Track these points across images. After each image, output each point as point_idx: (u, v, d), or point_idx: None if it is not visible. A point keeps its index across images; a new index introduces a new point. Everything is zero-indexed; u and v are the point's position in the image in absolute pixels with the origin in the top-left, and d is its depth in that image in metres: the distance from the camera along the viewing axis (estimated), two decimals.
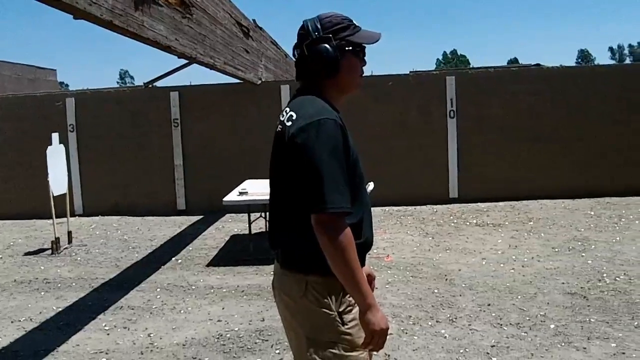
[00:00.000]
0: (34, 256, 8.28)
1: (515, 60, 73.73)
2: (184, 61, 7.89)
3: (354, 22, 2.19)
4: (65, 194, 8.74)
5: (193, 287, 6.34)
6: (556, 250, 7.18)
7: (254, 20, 10.25)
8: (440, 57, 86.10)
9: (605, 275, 6.04)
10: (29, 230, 10.31)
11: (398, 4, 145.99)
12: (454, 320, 4.96)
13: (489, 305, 5.29)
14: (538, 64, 13.55)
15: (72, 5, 4.02)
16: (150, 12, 5.41)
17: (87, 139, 11.44)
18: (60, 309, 5.79)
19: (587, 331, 4.55)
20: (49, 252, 8.36)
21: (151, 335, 4.95)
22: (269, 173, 2.22)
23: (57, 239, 8.39)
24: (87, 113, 11.46)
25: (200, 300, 5.87)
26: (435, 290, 5.81)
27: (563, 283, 5.83)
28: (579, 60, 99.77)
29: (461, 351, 4.30)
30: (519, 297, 5.47)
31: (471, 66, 56.87)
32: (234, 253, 7.86)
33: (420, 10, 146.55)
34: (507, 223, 8.94)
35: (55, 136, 8.64)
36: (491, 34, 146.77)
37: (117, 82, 79.68)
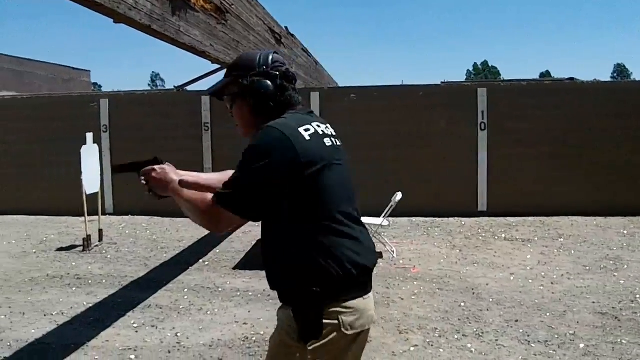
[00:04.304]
0: (66, 252, 8.42)
1: (547, 74, 72.95)
2: (212, 67, 7.96)
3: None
4: (97, 193, 8.87)
5: (220, 289, 6.39)
6: (587, 268, 7.09)
7: (286, 27, 10.31)
8: (471, 68, 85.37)
9: (638, 296, 5.94)
10: (61, 227, 10.48)
11: (428, 14, 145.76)
12: (481, 334, 4.93)
13: (516, 321, 5.24)
14: (572, 78, 13.39)
15: (113, 9, 4.12)
16: (187, 18, 5.50)
17: (120, 140, 11.59)
18: (90, 305, 5.89)
19: (619, 353, 4.48)
20: (81, 248, 8.50)
21: (178, 334, 5.00)
22: None
23: (89, 237, 8.52)
24: (120, 114, 11.63)
25: (226, 303, 5.91)
26: (462, 304, 5.77)
27: (594, 302, 5.75)
28: (615, 74, 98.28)
29: None
30: (548, 314, 5.41)
31: (502, 78, 56.36)
32: (260, 257, 7.87)
33: (451, 21, 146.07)
34: (536, 239, 8.86)
35: (89, 136, 8.77)
36: (523, 46, 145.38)
37: (149, 85, 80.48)
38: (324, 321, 2.03)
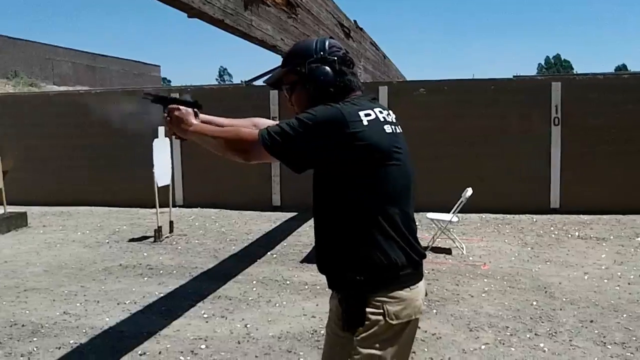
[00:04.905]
0: (137, 243, 8.65)
1: (623, 67, 70.13)
2: (280, 62, 7.99)
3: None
4: (168, 185, 9.07)
5: (288, 282, 6.44)
6: None
7: (354, 20, 10.26)
8: (542, 62, 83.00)
9: None
10: (133, 218, 10.79)
11: (500, 6, 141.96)
12: (554, 334, 4.80)
13: (591, 321, 5.08)
14: None
15: (187, 4, 4.18)
16: (258, 12, 5.54)
17: None
18: (162, 295, 6.03)
19: None
20: (152, 239, 8.72)
21: (248, 325, 5.07)
22: None
23: (160, 228, 8.73)
24: None
25: (294, 296, 5.95)
26: (534, 303, 5.63)
27: None
28: None
29: None
30: (625, 315, 5.22)
31: (575, 72, 54.52)
32: None
33: (523, 13, 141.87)
34: (612, 237, 8.56)
35: (161, 129, 8.96)
36: (597, 39, 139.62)
37: (216, 80, 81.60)
38: (369, 310, 2.04)
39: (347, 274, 2.06)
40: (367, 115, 2.06)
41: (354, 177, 2.04)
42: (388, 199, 2.08)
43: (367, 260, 2.05)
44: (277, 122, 2.20)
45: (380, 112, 2.13)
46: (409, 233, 2.13)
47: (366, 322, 2.04)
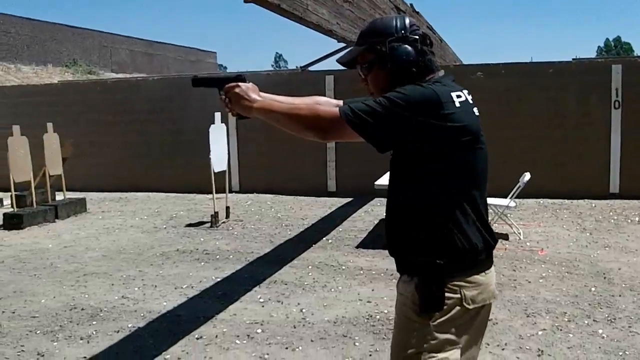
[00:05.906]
0: (194, 228, 8.79)
1: None
2: (336, 46, 7.96)
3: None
4: (224, 171, 9.17)
5: (343, 267, 6.45)
6: None
7: (411, 4, 10.14)
8: (602, 45, 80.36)
9: None
10: (189, 203, 10.97)
11: None
12: (613, 320, 4.68)
13: None
14: None
15: None
16: None
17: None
18: (218, 279, 6.11)
19: None
20: (208, 225, 8.84)
21: (303, 310, 5.09)
22: None
23: (216, 213, 8.84)
24: None
25: (350, 281, 5.95)
26: (593, 288, 5.50)
27: None
28: None
29: (620, 354, 4.06)
30: None
31: (636, 54, 52.58)
32: (383, 237, 7.86)
33: None
34: None
35: (217, 115, 9.05)
36: None
37: (272, 66, 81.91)
38: (446, 295, 2.00)
39: (427, 257, 2.01)
40: (458, 96, 2.01)
41: (442, 159, 1.99)
42: (472, 183, 2.06)
43: (450, 243, 2.01)
44: (350, 100, 2.15)
45: (468, 93, 2.09)
46: (484, 220, 2.11)
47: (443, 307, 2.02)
